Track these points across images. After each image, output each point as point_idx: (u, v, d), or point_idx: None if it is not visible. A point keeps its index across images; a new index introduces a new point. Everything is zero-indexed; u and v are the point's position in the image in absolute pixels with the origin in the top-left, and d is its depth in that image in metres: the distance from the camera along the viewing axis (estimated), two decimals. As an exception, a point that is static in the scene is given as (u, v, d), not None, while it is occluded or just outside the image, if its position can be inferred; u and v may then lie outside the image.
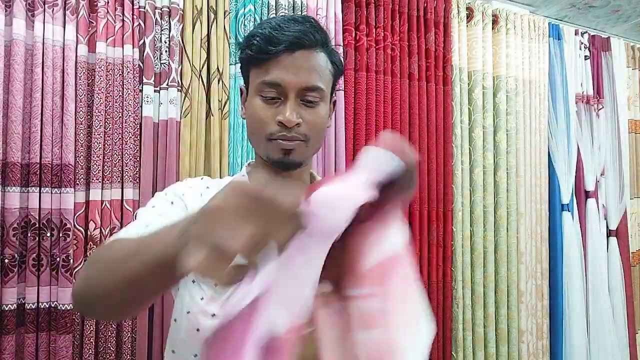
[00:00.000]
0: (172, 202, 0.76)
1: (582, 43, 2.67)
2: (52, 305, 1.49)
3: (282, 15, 0.86)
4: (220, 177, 1.72)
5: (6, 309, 1.43)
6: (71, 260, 1.50)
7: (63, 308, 1.48)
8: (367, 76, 2.00)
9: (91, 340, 1.52)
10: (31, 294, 1.47)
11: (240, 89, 0.83)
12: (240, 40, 1.79)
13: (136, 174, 1.63)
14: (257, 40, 0.73)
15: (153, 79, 1.66)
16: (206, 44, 1.75)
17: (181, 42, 1.71)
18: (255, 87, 0.75)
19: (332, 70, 0.78)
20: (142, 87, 1.66)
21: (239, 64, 0.82)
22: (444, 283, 2.14)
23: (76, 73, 1.56)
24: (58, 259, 1.50)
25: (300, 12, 1.89)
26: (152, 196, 1.81)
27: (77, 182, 1.54)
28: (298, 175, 0.80)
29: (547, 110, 2.51)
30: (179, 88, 1.70)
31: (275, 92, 0.73)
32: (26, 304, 1.47)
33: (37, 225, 1.48)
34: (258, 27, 0.77)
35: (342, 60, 0.83)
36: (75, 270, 1.51)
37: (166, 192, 0.80)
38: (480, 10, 2.32)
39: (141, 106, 1.65)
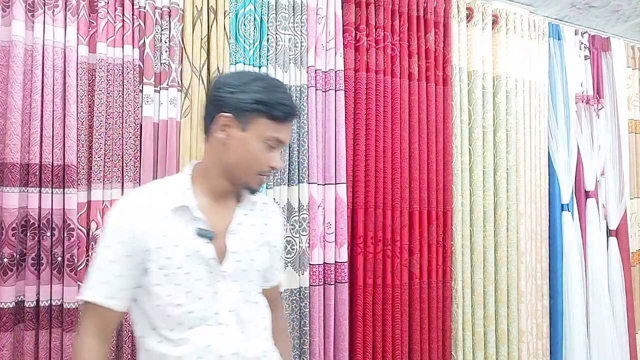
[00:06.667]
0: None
1: (582, 43, 2.67)
2: (57, 304, 1.50)
3: (273, 81, 1.00)
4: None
5: (5, 306, 1.44)
6: (75, 260, 1.51)
7: (68, 306, 1.49)
8: (367, 76, 2.00)
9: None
10: (30, 292, 1.47)
11: (226, 118, 0.91)
12: (241, 40, 1.79)
13: (136, 174, 1.63)
14: (283, 107, 0.91)
15: (153, 79, 1.66)
16: (206, 44, 1.75)
17: (181, 42, 1.71)
18: (264, 135, 0.91)
19: None
20: (142, 87, 1.66)
21: (242, 101, 0.90)
22: (444, 283, 2.14)
23: (77, 74, 1.56)
24: (59, 259, 1.50)
25: (300, 12, 1.90)
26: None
27: (79, 183, 1.54)
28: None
29: (547, 110, 2.51)
30: (179, 88, 1.70)
31: (277, 144, 0.94)
32: (25, 302, 1.47)
33: (36, 225, 1.48)
34: (276, 91, 0.92)
35: None
36: (79, 269, 1.52)
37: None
38: (480, 11, 2.32)
39: (141, 106, 1.66)
